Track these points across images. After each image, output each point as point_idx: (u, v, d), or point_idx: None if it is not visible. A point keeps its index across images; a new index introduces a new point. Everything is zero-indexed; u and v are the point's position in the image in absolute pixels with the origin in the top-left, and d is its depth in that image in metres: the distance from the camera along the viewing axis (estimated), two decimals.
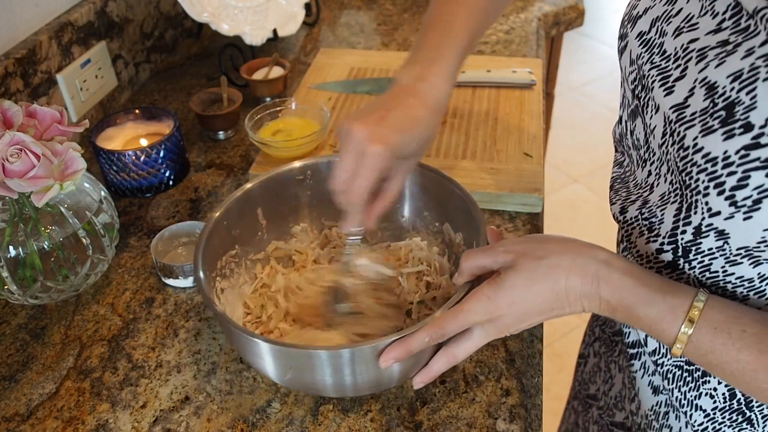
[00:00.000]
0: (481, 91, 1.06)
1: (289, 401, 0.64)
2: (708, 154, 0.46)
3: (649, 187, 0.57)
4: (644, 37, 0.55)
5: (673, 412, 0.64)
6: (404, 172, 0.65)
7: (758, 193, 0.44)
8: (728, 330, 0.46)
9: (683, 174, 0.49)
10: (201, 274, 0.62)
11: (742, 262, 0.49)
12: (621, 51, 0.60)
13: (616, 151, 0.67)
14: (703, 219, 0.48)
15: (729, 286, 0.51)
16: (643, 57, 0.54)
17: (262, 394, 0.65)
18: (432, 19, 0.67)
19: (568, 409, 0.94)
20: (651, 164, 0.56)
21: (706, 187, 0.46)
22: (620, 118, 0.63)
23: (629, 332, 0.68)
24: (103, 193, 0.76)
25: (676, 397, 0.62)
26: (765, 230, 0.45)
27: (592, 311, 0.52)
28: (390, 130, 0.59)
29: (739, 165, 0.44)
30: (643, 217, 0.56)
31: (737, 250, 0.47)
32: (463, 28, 0.65)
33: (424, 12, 1.39)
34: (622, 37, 0.60)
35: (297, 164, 0.73)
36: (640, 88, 0.55)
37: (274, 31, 1.19)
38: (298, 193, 0.75)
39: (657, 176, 0.55)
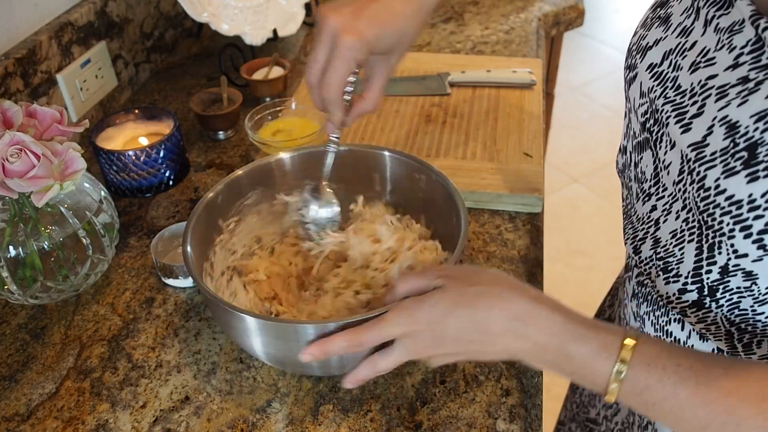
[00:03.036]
0: (481, 91, 1.06)
1: (289, 401, 0.64)
2: (732, 196, 0.44)
3: (653, 222, 0.55)
4: (656, 69, 0.53)
5: None
6: (384, 70, 0.63)
7: None
8: (662, 365, 0.45)
9: (704, 214, 0.47)
10: (188, 248, 0.63)
11: None
12: (629, 82, 0.58)
13: (621, 182, 0.65)
14: (729, 260, 0.46)
15: (759, 324, 0.49)
16: (656, 91, 0.52)
17: (262, 394, 0.65)
18: None
19: (564, 431, 0.93)
20: (658, 199, 0.54)
21: (731, 230, 0.45)
22: (624, 148, 0.61)
23: None
24: (103, 193, 0.76)
25: None
26: None
27: (517, 356, 0.50)
28: (366, 22, 0.57)
29: (765, 209, 0.42)
30: (659, 256, 0.54)
31: (766, 289, 0.46)
32: None
33: None
34: (631, 67, 0.58)
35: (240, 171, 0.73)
36: (652, 122, 0.53)
37: (274, 31, 1.19)
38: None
39: (665, 212, 0.53)
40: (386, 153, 0.74)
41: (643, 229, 0.57)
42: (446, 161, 0.91)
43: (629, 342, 0.45)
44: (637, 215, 0.58)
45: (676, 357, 0.45)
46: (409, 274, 0.57)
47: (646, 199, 0.56)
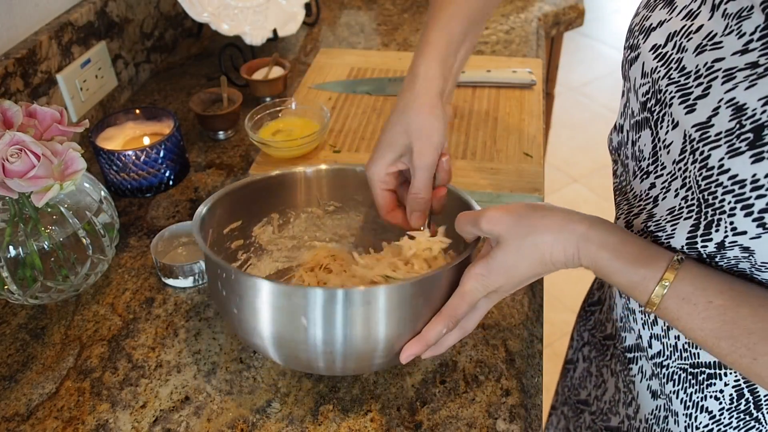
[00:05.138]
0: (481, 91, 1.06)
1: (289, 401, 0.64)
2: (735, 176, 0.46)
3: (651, 200, 0.56)
4: (660, 50, 0.54)
5: (672, 416, 0.64)
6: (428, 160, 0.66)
7: None
8: (695, 302, 0.49)
9: (705, 193, 0.48)
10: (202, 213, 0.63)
11: None
12: (630, 62, 0.58)
13: (612, 159, 0.67)
14: (726, 236, 0.48)
15: (756, 281, 0.51)
16: (659, 71, 0.53)
17: (262, 394, 0.65)
18: (426, 20, 0.69)
19: (556, 415, 0.93)
20: (657, 177, 0.55)
21: (732, 208, 0.46)
22: (620, 126, 0.63)
23: (626, 336, 0.68)
24: (103, 193, 0.76)
25: (681, 399, 0.61)
26: None
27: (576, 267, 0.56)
28: (376, 154, 0.66)
29: None
30: (649, 230, 0.56)
31: (762, 263, 0.47)
32: (449, 16, 0.67)
33: (424, 12, 1.39)
34: (633, 47, 0.58)
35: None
36: (654, 102, 0.54)
37: (274, 31, 1.19)
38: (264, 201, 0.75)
39: (664, 190, 0.54)
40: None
41: (639, 205, 0.59)
42: None
43: (665, 282, 0.49)
44: (634, 192, 0.60)
45: (709, 294, 0.49)
46: (461, 219, 0.59)
47: (644, 176, 0.58)
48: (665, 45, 0.54)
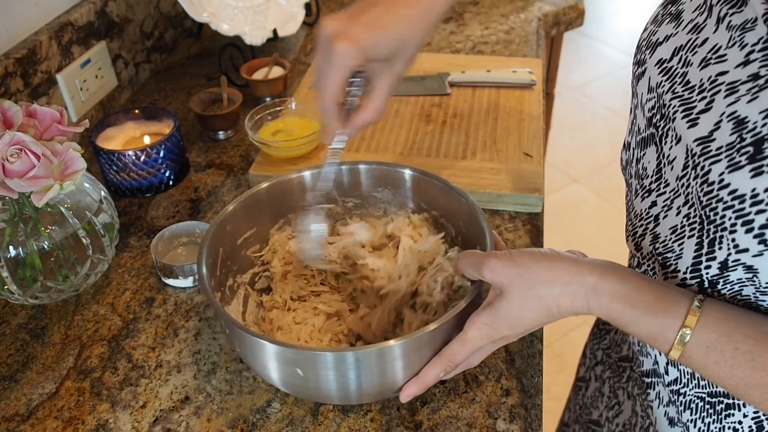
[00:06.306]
0: (481, 91, 1.06)
1: (289, 401, 0.64)
2: (735, 190, 0.44)
3: (652, 218, 0.55)
4: (665, 65, 0.53)
5: None
6: (387, 79, 0.61)
7: None
8: (720, 349, 0.46)
9: (707, 209, 0.47)
10: (204, 270, 0.61)
11: None
12: (638, 77, 0.58)
13: (624, 179, 0.65)
14: (729, 255, 0.46)
15: (762, 308, 0.49)
16: (664, 86, 0.53)
17: (262, 394, 0.65)
18: None
19: None
20: (659, 195, 0.54)
21: (733, 224, 0.45)
22: (627, 144, 0.61)
23: (643, 361, 0.67)
24: (103, 193, 0.76)
25: (699, 428, 0.59)
26: None
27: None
28: (362, 27, 0.57)
29: None
30: (657, 252, 0.54)
31: (767, 283, 0.46)
32: None
33: None
34: (640, 63, 0.57)
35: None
36: (659, 117, 0.53)
37: (274, 31, 1.19)
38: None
39: (666, 208, 0.53)
40: (407, 171, 0.72)
41: (641, 225, 0.57)
42: (446, 161, 0.91)
43: (687, 330, 0.47)
44: (635, 211, 0.59)
45: (735, 340, 0.46)
46: (463, 261, 0.57)
47: (646, 195, 0.56)
48: (671, 59, 0.53)
